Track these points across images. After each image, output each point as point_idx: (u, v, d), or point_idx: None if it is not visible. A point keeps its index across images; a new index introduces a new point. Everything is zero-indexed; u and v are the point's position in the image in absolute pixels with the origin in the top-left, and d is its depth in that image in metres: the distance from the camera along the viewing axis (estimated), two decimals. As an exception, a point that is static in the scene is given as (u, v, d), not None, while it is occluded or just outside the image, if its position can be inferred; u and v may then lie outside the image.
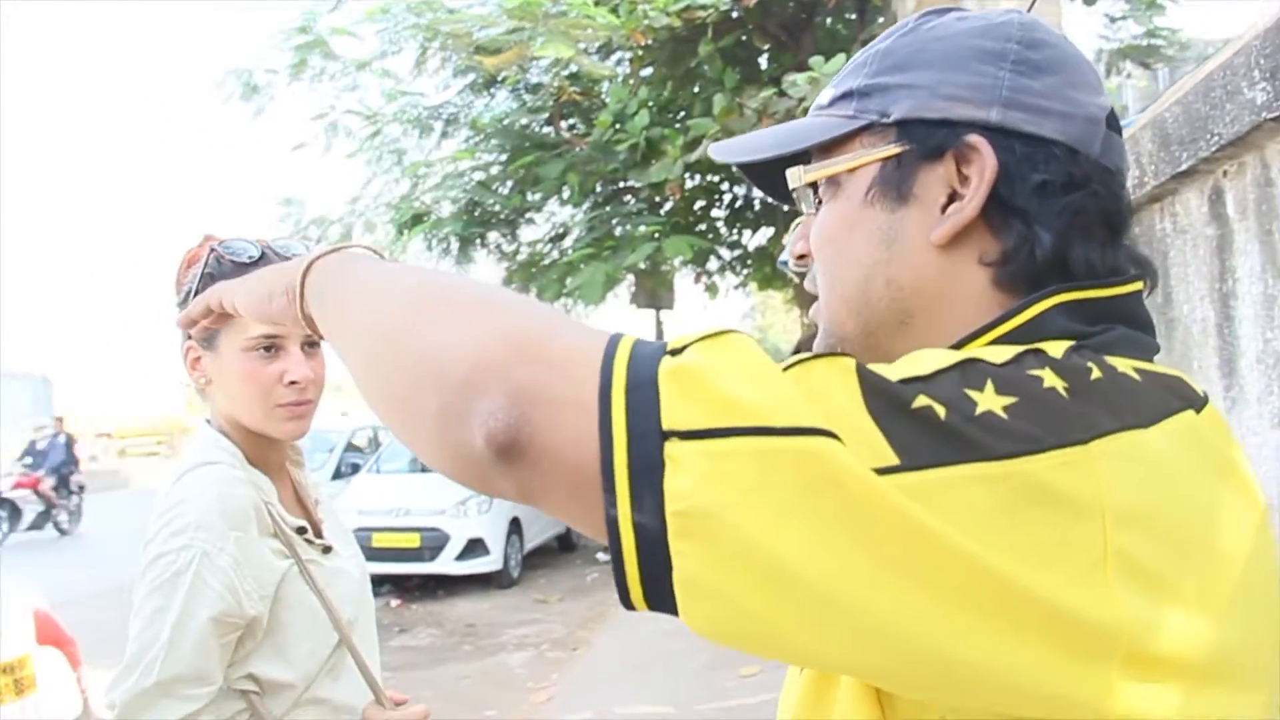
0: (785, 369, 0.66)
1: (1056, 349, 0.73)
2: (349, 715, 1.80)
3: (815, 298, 0.94)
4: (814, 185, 0.93)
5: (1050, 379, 0.68)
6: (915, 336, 0.85)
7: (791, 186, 0.93)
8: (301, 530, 1.82)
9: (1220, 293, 2.32)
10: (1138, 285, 0.85)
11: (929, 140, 0.84)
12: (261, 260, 1.78)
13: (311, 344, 1.85)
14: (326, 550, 1.87)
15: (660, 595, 0.63)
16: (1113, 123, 0.86)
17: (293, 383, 1.80)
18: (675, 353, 0.66)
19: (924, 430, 0.64)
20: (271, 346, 1.79)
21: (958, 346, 0.81)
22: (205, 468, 1.75)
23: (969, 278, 0.84)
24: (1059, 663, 0.62)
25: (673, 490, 0.61)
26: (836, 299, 0.90)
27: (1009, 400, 0.66)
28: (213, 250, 1.80)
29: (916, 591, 0.60)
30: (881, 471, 0.61)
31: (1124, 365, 0.74)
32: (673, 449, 0.62)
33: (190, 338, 1.82)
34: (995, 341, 0.80)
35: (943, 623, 0.60)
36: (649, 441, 0.62)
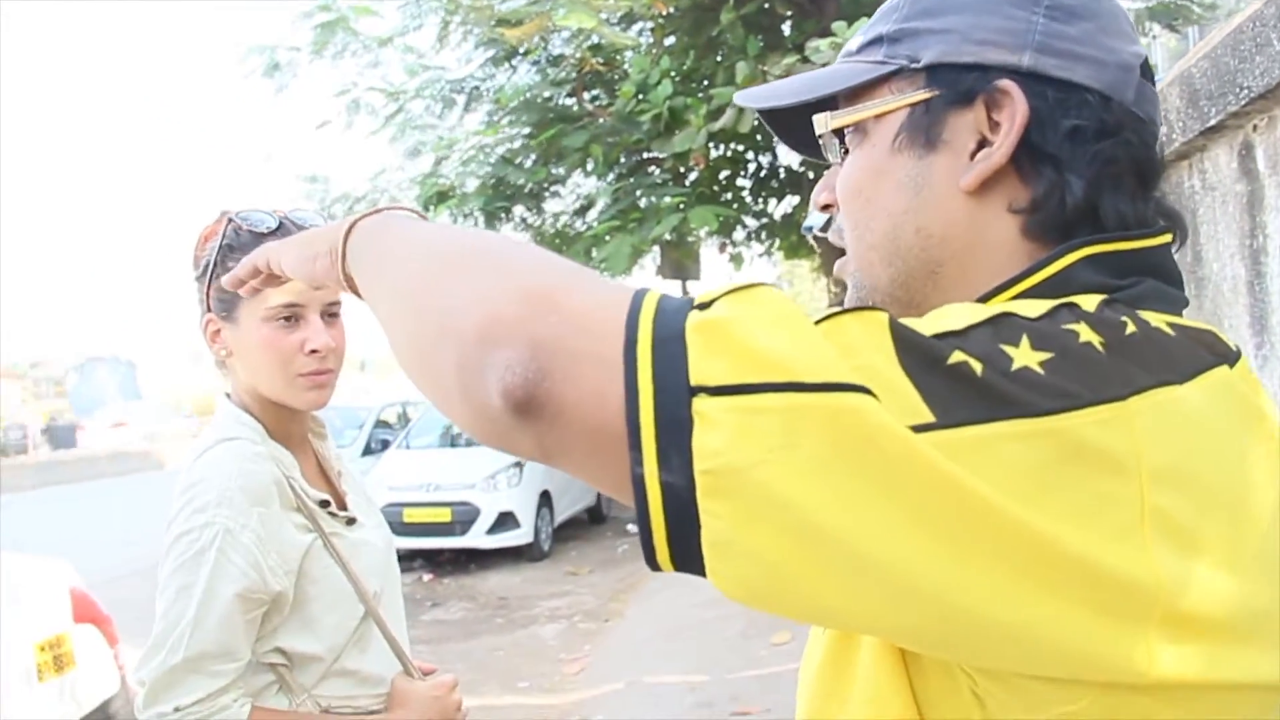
0: (817, 323, 0.65)
1: (1089, 303, 0.72)
2: (378, 686, 1.81)
3: (841, 255, 0.93)
4: (840, 134, 0.91)
5: (1086, 334, 0.68)
6: (946, 287, 0.84)
7: (818, 133, 0.91)
8: (324, 503, 1.82)
9: (1250, 249, 2.29)
10: (1167, 237, 0.83)
11: (959, 85, 0.83)
12: (279, 230, 1.79)
13: (331, 314, 1.84)
14: (350, 522, 1.87)
15: (688, 556, 0.62)
16: (1146, 72, 0.85)
17: (313, 351, 1.80)
18: (703, 306, 0.64)
19: (960, 387, 0.63)
20: (292, 316, 1.79)
21: (985, 299, 0.80)
22: (225, 444, 1.75)
23: (998, 226, 0.83)
24: (1096, 623, 0.61)
25: (701, 448, 0.60)
26: (866, 248, 0.89)
27: (1045, 356, 0.65)
28: (230, 221, 1.80)
29: (952, 550, 0.59)
30: (917, 429, 0.60)
31: (1157, 320, 0.73)
32: (701, 405, 0.60)
33: (210, 310, 1.82)
34: (1023, 294, 0.79)
35: (978, 582, 0.60)
36: (676, 397, 0.61)
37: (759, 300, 0.65)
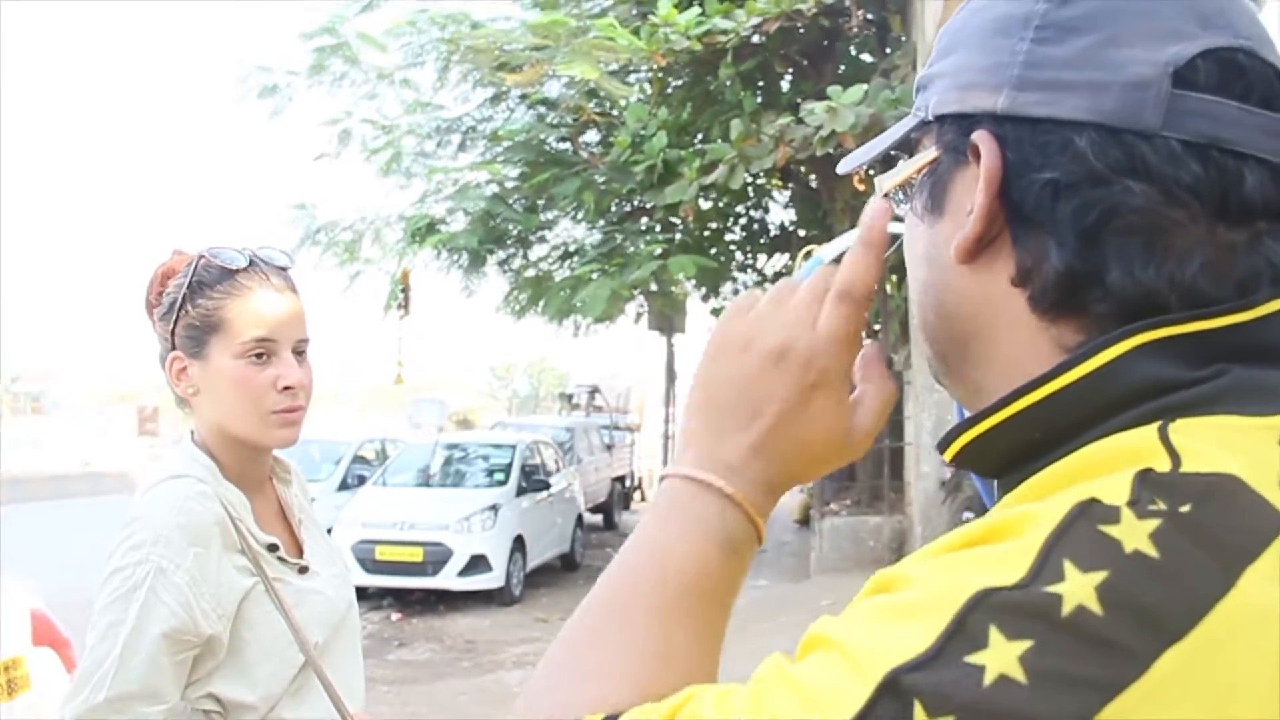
0: None
1: (1115, 492, 0.55)
2: None
3: None
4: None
5: (1078, 591, 0.52)
6: (979, 365, 0.72)
7: (882, 193, 0.79)
8: (273, 547, 1.78)
9: None
10: (1272, 306, 0.63)
11: (954, 139, 0.70)
12: (250, 267, 1.78)
13: (300, 351, 1.82)
14: (303, 570, 1.83)
15: None
16: (1200, 76, 0.63)
17: (287, 388, 1.77)
18: None
19: None
20: (264, 352, 1.76)
21: (1015, 398, 0.67)
22: (171, 482, 1.72)
23: (1006, 301, 0.69)
24: None
25: None
26: (915, 318, 0.79)
27: (1024, 645, 0.51)
28: (201, 257, 1.78)
29: None
30: None
31: (1224, 457, 0.57)
32: None
33: (175, 347, 1.79)
34: (1059, 393, 0.64)
35: None
36: None
37: None
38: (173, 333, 1.78)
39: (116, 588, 1.61)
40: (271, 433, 1.78)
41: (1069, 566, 0.51)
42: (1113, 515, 0.53)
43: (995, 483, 0.73)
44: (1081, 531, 0.53)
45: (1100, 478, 0.57)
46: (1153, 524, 0.53)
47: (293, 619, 1.73)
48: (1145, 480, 0.55)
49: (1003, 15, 0.69)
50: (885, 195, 0.78)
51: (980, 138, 0.67)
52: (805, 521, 16.14)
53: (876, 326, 12.53)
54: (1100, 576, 0.51)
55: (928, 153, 0.73)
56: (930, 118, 0.73)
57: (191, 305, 1.76)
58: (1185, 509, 0.53)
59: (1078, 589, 0.51)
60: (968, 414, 0.72)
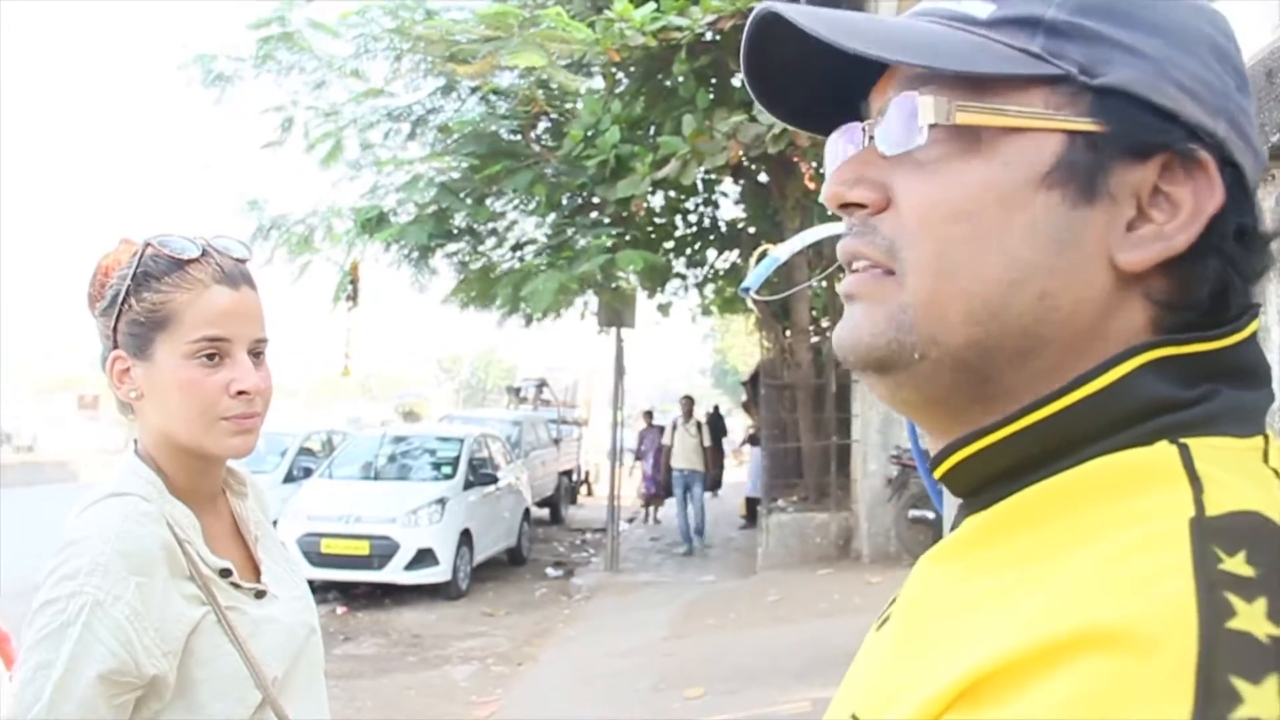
0: None
1: (1175, 544, 0.54)
2: None
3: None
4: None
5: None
6: (1033, 370, 0.66)
7: (922, 121, 0.65)
8: (226, 572, 1.60)
9: None
10: (1253, 328, 0.67)
11: (1145, 132, 0.63)
12: (202, 257, 1.60)
13: (257, 352, 1.65)
14: (260, 595, 1.64)
15: None
16: None
17: (241, 393, 1.59)
18: None
19: None
20: (216, 353, 1.58)
21: (1027, 411, 0.65)
22: (112, 500, 1.55)
23: (1129, 313, 0.65)
24: None
25: None
26: (953, 292, 0.65)
27: None
28: (148, 245, 1.61)
29: None
30: None
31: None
32: None
33: (117, 346, 1.61)
34: (1072, 407, 0.64)
35: None
36: None
37: None
38: (115, 329, 1.60)
39: (47, 623, 1.43)
40: (223, 442, 1.60)
41: (1240, 684, 0.48)
42: (1227, 609, 0.50)
43: (951, 496, 0.69)
44: (1224, 639, 0.49)
45: (1124, 501, 0.58)
46: (1261, 604, 0.51)
47: (248, 652, 1.56)
48: (1199, 530, 0.54)
49: (1208, 33, 0.66)
50: (938, 125, 0.65)
51: (1208, 159, 0.63)
52: (752, 518, 16.23)
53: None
54: (1275, 682, 0.48)
55: (1079, 120, 0.64)
56: (1095, 84, 0.64)
57: (136, 299, 1.58)
58: (1251, 565, 0.53)
59: (1267, 703, 0.47)
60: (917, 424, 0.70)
